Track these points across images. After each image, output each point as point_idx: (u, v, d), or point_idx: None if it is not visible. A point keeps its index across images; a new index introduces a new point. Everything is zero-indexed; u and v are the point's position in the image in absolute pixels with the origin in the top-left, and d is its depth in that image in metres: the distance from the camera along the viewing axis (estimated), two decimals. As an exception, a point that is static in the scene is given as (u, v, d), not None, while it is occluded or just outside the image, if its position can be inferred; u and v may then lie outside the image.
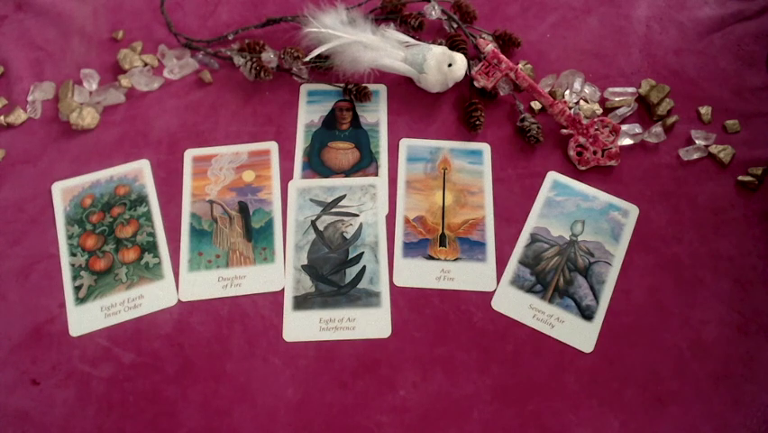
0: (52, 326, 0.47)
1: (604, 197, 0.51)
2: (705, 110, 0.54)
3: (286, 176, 0.52)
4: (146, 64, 0.57)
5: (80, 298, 0.47)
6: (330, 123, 0.54)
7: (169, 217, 0.50)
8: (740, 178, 0.51)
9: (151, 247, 0.49)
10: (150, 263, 0.49)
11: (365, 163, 0.52)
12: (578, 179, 0.51)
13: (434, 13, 0.57)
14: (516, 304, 0.47)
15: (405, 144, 0.53)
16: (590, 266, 0.48)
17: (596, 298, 0.47)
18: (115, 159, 0.53)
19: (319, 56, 0.52)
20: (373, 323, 0.46)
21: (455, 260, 0.48)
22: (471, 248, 0.49)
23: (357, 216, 0.50)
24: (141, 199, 0.51)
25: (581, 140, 0.52)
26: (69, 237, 0.49)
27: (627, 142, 0.53)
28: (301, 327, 0.46)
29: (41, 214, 0.50)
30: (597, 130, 0.52)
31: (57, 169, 0.52)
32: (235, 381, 0.44)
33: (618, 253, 0.49)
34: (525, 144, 0.53)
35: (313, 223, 0.50)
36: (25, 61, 0.57)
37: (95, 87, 0.56)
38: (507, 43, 0.57)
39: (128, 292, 0.47)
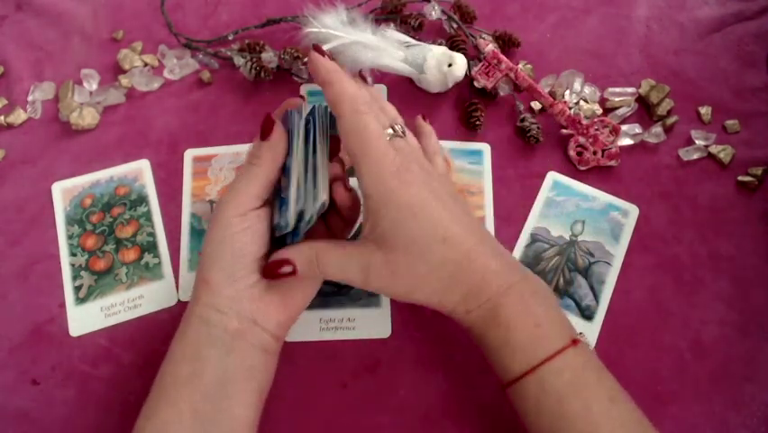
0: (52, 326, 0.47)
1: (604, 197, 0.51)
2: (705, 110, 0.54)
3: (286, 176, 0.52)
4: (146, 64, 0.57)
5: (80, 298, 0.47)
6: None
7: (169, 217, 0.50)
8: (740, 178, 0.51)
9: (151, 247, 0.49)
10: (150, 263, 0.49)
11: (365, 163, 0.52)
12: (578, 179, 0.51)
13: (434, 13, 0.57)
14: (516, 304, 0.47)
15: (405, 144, 0.53)
16: (590, 266, 0.48)
17: (596, 298, 0.47)
18: (115, 159, 0.53)
19: (319, 56, 0.52)
20: (373, 323, 0.46)
21: (455, 260, 0.48)
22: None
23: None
24: (141, 199, 0.51)
25: (581, 140, 0.52)
26: (69, 237, 0.49)
27: (627, 142, 0.53)
28: (301, 326, 0.46)
29: (41, 214, 0.50)
30: (597, 130, 0.52)
31: (57, 169, 0.52)
32: (235, 381, 0.44)
33: (618, 253, 0.49)
34: (525, 144, 0.53)
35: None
36: (25, 61, 0.57)
37: (95, 87, 0.56)
38: (507, 43, 0.57)
39: (128, 292, 0.47)
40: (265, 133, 0.38)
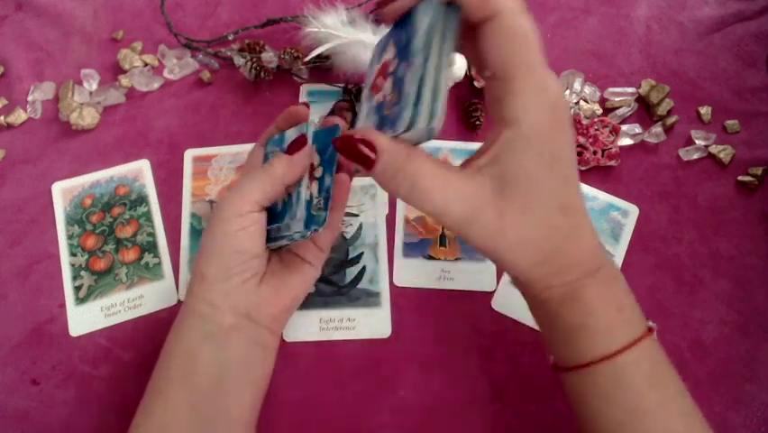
0: (52, 326, 0.47)
1: (604, 197, 0.51)
2: (705, 110, 0.54)
3: (286, 176, 0.52)
4: (146, 64, 0.57)
5: (80, 298, 0.47)
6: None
7: (169, 217, 0.50)
8: (740, 178, 0.51)
9: (151, 247, 0.49)
10: (150, 263, 0.49)
11: (365, 163, 0.52)
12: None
13: (434, 13, 0.57)
14: (516, 304, 0.47)
15: (405, 144, 0.53)
16: (590, 266, 0.48)
17: (596, 298, 0.47)
18: (115, 159, 0.53)
19: (319, 56, 0.52)
20: (373, 323, 0.46)
21: (455, 260, 0.48)
22: (472, 248, 0.49)
23: (357, 216, 0.50)
24: (141, 199, 0.51)
25: (581, 140, 0.52)
26: (69, 237, 0.49)
27: (627, 142, 0.53)
28: (301, 326, 0.46)
29: (41, 214, 0.50)
30: (597, 130, 0.52)
31: (57, 169, 0.52)
32: (235, 381, 0.44)
33: (618, 253, 0.49)
34: (525, 144, 0.53)
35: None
36: (25, 61, 0.57)
37: (95, 87, 0.56)
38: (507, 43, 0.57)
39: (128, 292, 0.47)
40: (291, 150, 0.38)
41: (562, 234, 0.31)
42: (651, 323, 0.34)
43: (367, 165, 0.29)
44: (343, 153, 0.30)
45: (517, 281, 0.34)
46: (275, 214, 0.39)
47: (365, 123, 0.32)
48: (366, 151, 0.29)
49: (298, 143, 0.38)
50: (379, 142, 0.29)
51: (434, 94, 0.28)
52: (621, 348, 0.31)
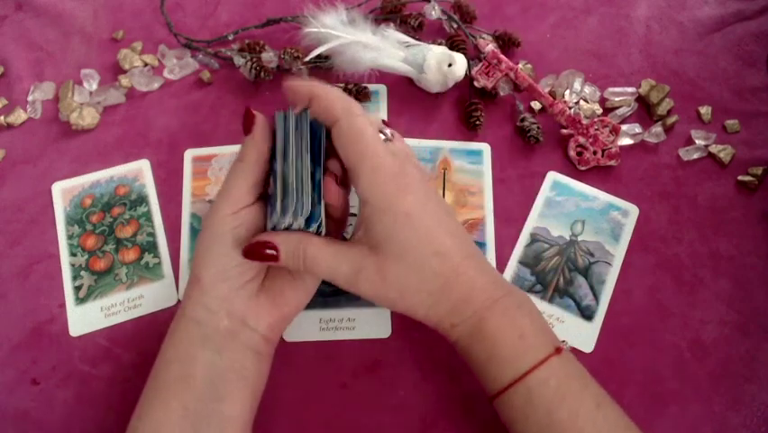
0: (52, 326, 0.47)
1: (604, 197, 0.51)
2: (705, 110, 0.54)
3: (286, 176, 0.52)
4: (146, 64, 0.57)
5: (80, 298, 0.47)
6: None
7: (169, 217, 0.50)
8: (740, 178, 0.51)
9: (151, 247, 0.49)
10: (150, 263, 0.49)
11: (365, 163, 0.52)
12: (578, 179, 0.51)
13: (434, 13, 0.57)
14: (516, 304, 0.46)
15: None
16: (590, 266, 0.48)
17: (596, 298, 0.47)
18: (115, 159, 0.53)
19: (319, 56, 0.52)
20: (373, 323, 0.46)
21: (455, 260, 0.48)
22: (471, 248, 0.49)
23: (357, 216, 0.50)
24: (141, 199, 0.51)
25: (581, 140, 0.52)
26: (69, 237, 0.49)
27: (627, 142, 0.53)
28: (301, 326, 0.46)
29: (41, 214, 0.50)
30: (597, 130, 0.52)
31: (57, 169, 0.52)
32: (235, 381, 0.44)
33: (618, 253, 0.49)
34: (525, 144, 0.53)
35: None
36: (25, 61, 0.57)
37: (95, 87, 0.56)
38: (507, 43, 0.57)
39: (128, 292, 0.47)
40: (246, 129, 0.37)
41: (442, 278, 0.36)
42: (562, 341, 0.37)
43: (274, 260, 0.36)
44: (252, 258, 0.36)
45: (435, 328, 0.38)
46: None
47: (277, 218, 0.37)
48: (269, 252, 0.36)
49: (248, 119, 0.37)
50: (274, 241, 0.36)
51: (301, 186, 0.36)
52: (527, 371, 0.34)
